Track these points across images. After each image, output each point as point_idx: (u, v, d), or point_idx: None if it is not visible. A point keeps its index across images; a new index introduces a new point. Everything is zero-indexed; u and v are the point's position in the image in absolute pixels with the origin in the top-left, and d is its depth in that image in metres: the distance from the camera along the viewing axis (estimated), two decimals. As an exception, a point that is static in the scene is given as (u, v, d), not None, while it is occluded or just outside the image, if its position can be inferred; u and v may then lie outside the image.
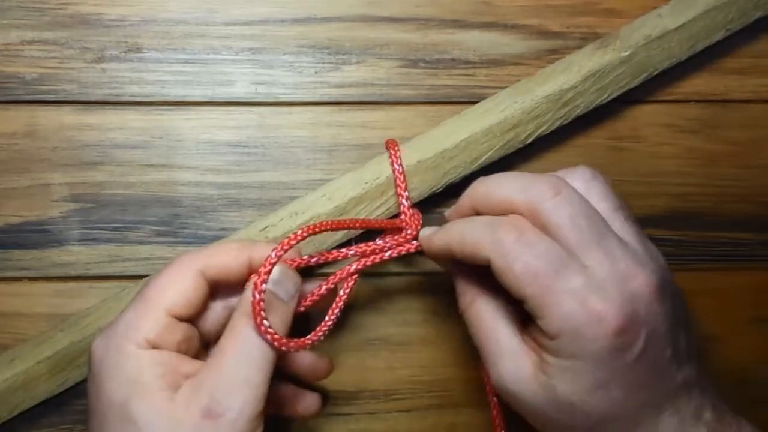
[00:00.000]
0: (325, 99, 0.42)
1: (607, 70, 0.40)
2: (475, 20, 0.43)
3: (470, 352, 0.41)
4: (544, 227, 0.32)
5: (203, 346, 0.35)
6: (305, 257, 0.35)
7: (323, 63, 0.42)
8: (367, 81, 0.42)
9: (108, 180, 0.40)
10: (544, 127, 0.40)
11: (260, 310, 0.31)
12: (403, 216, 0.38)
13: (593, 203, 0.33)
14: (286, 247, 0.32)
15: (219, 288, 0.34)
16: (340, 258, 0.36)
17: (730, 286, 0.43)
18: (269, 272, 0.32)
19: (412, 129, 0.41)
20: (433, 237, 0.35)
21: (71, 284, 0.40)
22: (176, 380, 0.31)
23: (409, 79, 0.42)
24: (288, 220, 0.38)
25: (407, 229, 0.37)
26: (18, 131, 0.40)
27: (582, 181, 0.34)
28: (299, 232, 0.33)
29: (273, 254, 0.32)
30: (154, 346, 0.31)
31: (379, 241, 0.37)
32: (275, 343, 0.31)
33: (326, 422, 0.41)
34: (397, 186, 0.38)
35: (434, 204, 0.41)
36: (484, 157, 0.39)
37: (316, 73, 0.42)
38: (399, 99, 0.42)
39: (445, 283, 0.41)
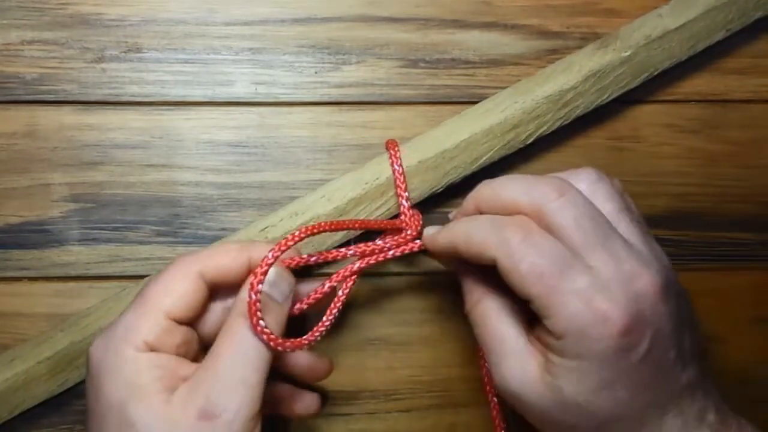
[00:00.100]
0: (325, 99, 0.42)
1: (608, 71, 0.40)
2: (475, 20, 0.43)
3: (470, 352, 0.41)
4: (549, 228, 0.32)
5: (202, 348, 0.35)
6: (304, 256, 0.35)
7: (323, 63, 0.42)
8: (367, 81, 0.42)
9: (108, 180, 0.40)
10: (545, 128, 0.40)
11: (256, 311, 0.31)
12: (403, 216, 0.38)
13: (598, 204, 0.33)
14: (283, 248, 0.32)
15: (218, 290, 0.34)
16: (339, 258, 0.36)
17: (730, 286, 0.43)
18: (266, 273, 0.32)
19: (412, 129, 0.41)
20: (438, 236, 0.35)
21: (71, 284, 0.40)
22: (174, 383, 0.31)
23: (409, 79, 0.42)
24: (288, 220, 0.38)
25: (407, 230, 0.37)
26: (18, 131, 0.40)
27: (587, 182, 0.34)
28: (296, 233, 0.33)
29: (270, 255, 0.32)
30: (153, 349, 0.31)
31: (378, 242, 0.37)
32: (271, 344, 0.31)
33: (326, 422, 0.41)
34: (397, 186, 0.38)
35: (434, 204, 0.41)
36: (484, 158, 0.39)
37: (316, 73, 0.42)
38: (399, 99, 0.42)
39: (445, 282, 0.42)
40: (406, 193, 0.38)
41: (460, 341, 0.41)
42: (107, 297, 0.39)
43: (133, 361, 0.31)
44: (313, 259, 0.35)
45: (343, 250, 0.36)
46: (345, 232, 0.39)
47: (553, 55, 0.42)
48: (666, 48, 0.41)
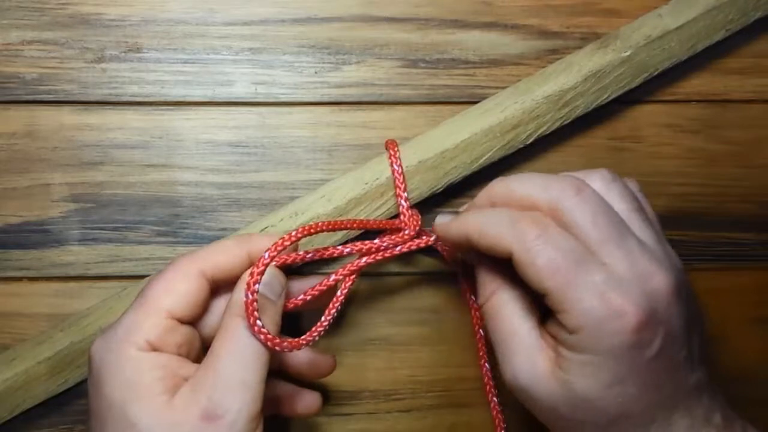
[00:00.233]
0: (325, 99, 0.42)
1: (608, 71, 0.40)
2: (475, 20, 0.43)
3: (470, 352, 0.41)
4: (564, 226, 0.32)
5: (203, 348, 0.35)
6: (300, 253, 0.35)
7: (323, 63, 0.42)
8: (367, 81, 0.42)
9: (108, 180, 0.40)
10: (545, 128, 0.40)
11: (253, 311, 0.31)
12: (402, 216, 0.38)
13: (612, 204, 0.33)
14: (279, 248, 0.32)
15: (220, 288, 0.34)
16: (336, 255, 0.36)
17: (730, 286, 0.43)
18: (262, 273, 0.32)
19: (412, 129, 0.41)
20: (451, 224, 0.35)
21: (71, 284, 0.40)
22: (176, 383, 0.31)
23: (409, 79, 0.42)
24: (288, 220, 0.38)
25: (406, 230, 0.37)
26: (18, 131, 0.40)
27: (601, 182, 0.34)
28: (294, 233, 0.33)
29: (266, 255, 0.32)
30: (155, 349, 0.31)
31: (377, 241, 0.37)
32: (269, 344, 0.31)
33: (326, 422, 0.41)
34: (396, 186, 0.38)
35: (434, 204, 0.41)
36: (484, 158, 0.39)
37: (316, 73, 0.42)
38: (399, 99, 0.42)
39: (445, 282, 0.42)
40: (405, 193, 0.38)
41: (461, 341, 0.41)
42: (107, 297, 0.39)
43: (135, 361, 0.31)
44: (309, 255, 0.35)
45: (339, 247, 0.36)
46: (344, 232, 0.39)
47: (553, 55, 0.42)
48: (666, 48, 0.41)
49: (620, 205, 0.33)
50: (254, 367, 0.31)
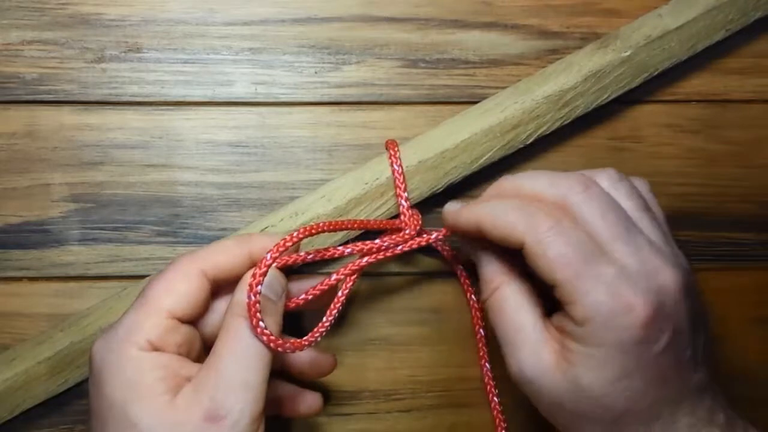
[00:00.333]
0: (325, 99, 0.42)
1: (608, 71, 0.40)
2: (475, 20, 0.43)
3: (470, 352, 0.41)
4: (573, 221, 0.32)
5: (205, 348, 0.35)
6: (301, 254, 0.35)
7: (323, 63, 0.42)
8: (367, 81, 0.42)
9: (108, 180, 0.40)
10: (545, 128, 0.40)
11: (256, 312, 0.31)
12: (402, 216, 0.38)
13: (620, 203, 0.33)
14: (281, 249, 0.32)
15: (220, 288, 0.34)
16: (336, 255, 0.36)
17: (730, 286, 0.43)
18: (264, 274, 0.32)
19: (412, 129, 0.41)
20: (461, 211, 0.35)
21: (71, 284, 0.40)
22: (177, 383, 0.31)
23: (409, 79, 0.42)
24: (288, 220, 0.38)
25: (406, 230, 0.37)
26: (18, 131, 0.40)
27: (609, 181, 0.34)
28: (295, 234, 0.33)
29: (269, 256, 0.32)
30: (156, 348, 0.31)
31: (377, 241, 0.37)
32: (272, 345, 0.31)
33: (326, 422, 0.41)
34: (396, 186, 0.38)
35: (435, 204, 0.41)
36: (484, 158, 0.39)
37: (316, 73, 0.42)
38: (399, 99, 0.42)
39: (445, 282, 0.42)
40: (406, 193, 0.38)
41: (461, 341, 0.41)
42: (107, 297, 0.39)
43: (136, 361, 0.31)
44: (309, 256, 0.35)
45: (340, 248, 0.36)
46: (345, 232, 0.39)
47: (553, 55, 0.42)
48: (666, 48, 0.41)
49: (627, 203, 0.34)
50: (257, 368, 0.31)
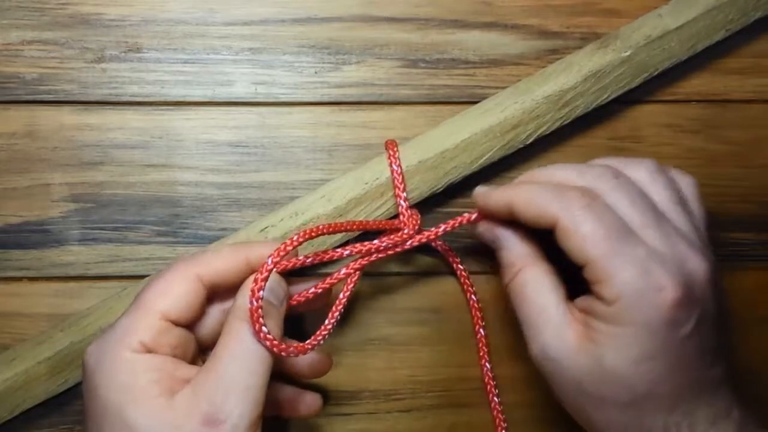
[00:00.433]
0: (325, 99, 0.42)
1: (608, 71, 0.40)
2: (475, 20, 0.43)
3: (470, 352, 0.41)
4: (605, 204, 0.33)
5: (200, 351, 0.35)
6: (300, 258, 0.35)
7: (323, 63, 0.42)
8: (367, 81, 0.42)
9: (108, 180, 0.40)
10: (545, 128, 0.40)
11: (258, 317, 0.31)
12: (401, 217, 0.38)
13: (654, 192, 0.34)
14: (282, 253, 0.32)
15: (216, 292, 0.34)
16: (335, 257, 0.36)
17: (730, 286, 0.43)
18: (266, 279, 0.32)
19: (412, 129, 0.41)
20: (493, 192, 0.36)
21: (71, 284, 0.40)
22: (172, 385, 0.31)
23: (409, 79, 0.42)
24: (288, 220, 0.38)
25: (405, 229, 0.37)
26: (18, 131, 0.40)
27: (647, 172, 0.35)
28: (295, 238, 0.33)
29: (269, 261, 0.32)
30: (149, 351, 0.31)
31: (376, 242, 0.37)
32: (275, 349, 0.31)
33: (326, 422, 0.41)
34: (395, 187, 0.38)
35: (435, 204, 0.41)
36: (484, 158, 0.39)
37: (316, 73, 0.42)
38: (399, 99, 0.42)
39: (445, 282, 0.42)
40: (405, 193, 0.38)
41: (461, 341, 0.41)
42: (107, 297, 0.39)
43: (129, 363, 0.31)
44: (309, 260, 0.35)
45: (339, 250, 0.36)
46: (344, 232, 0.39)
47: (553, 55, 0.42)
48: (666, 48, 0.41)
49: (662, 194, 0.34)
50: (258, 373, 0.31)
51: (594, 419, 0.33)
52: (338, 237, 0.39)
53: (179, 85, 0.41)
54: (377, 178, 0.38)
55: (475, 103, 0.40)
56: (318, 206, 0.38)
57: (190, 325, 0.34)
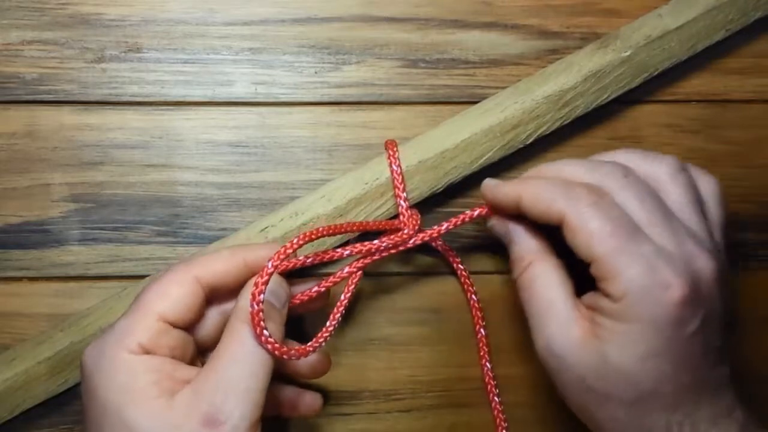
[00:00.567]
0: (325, 99, 0.42)
1: (608, 71, 0.40)
2: (475, 20, 0.43)
3: (470, 351, 0.41)
4: (612, 201, 0.33)
5: (199, 353, 0.35)
6: (300, 258, 0.35)
7: (323, 63, 0.42)
8: (367, 81, 0.42)
9: (108, 180, 0.40)
10: (545, 128, 0.40)
11: (260, 320, 0.31)
12: (401, 217, 0.38)
13: (671, 190, 0.34)
14: (282, 257, 0.32)
15: (215, 295, 0.34)
16: (336, 257, 0.36)
17: (731, 286, 0.43)
18: (267, 282, 0.32)
19: (412, 129, 0.41)
20: (501, 186, 0.36)
21: (71, 284, 0.40)
22: (171, 386, 0.31)
23: (409, 79, 0.42)
24: (288, 220, 0.38)
25: (405, 230, 0.37)
26: (18, 131, 0.40)
27: (668, 169, 0.34)
28: (295, 240, 0.33)
29: (270, 264, 0.32)
30: (147, 352, 0.31)
31: (376, 242, 0.37)
32: (276, 352, 0.31)
33: (326, 422, 0.41)
34: (395, 187, 0.38)
35: (435, 204, 0.41)
36: (484, 158, 0.39)
37: (316, 73, 0.42)
38: (399, 99, 0.42)
39: (445, 282, 0.42)
40: (405, 194, 0.38)
41: (461, 341, 0.41)
42: (107, 297, 0.39)
43: (128, 364, 0.31)
44: (309, 260, 0.35)
45: (339, 249, 0.36)
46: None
47: (553, 55, 0.42)
48: (666, 48, 0.40)
49: (677, 191, 0.34)
50: (259, 375, 0.31)
51: (597, 416, 0.33)
52: (338, 237, 0.39)
53: (179, 85, 0.41)
54: (377, 178, 0.38)
55: (475, 103, 0.40)
56: (318, 206, 0.38)
57: (188, 327, 0.34)
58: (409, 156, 0.38)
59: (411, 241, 0.37)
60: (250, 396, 0.31)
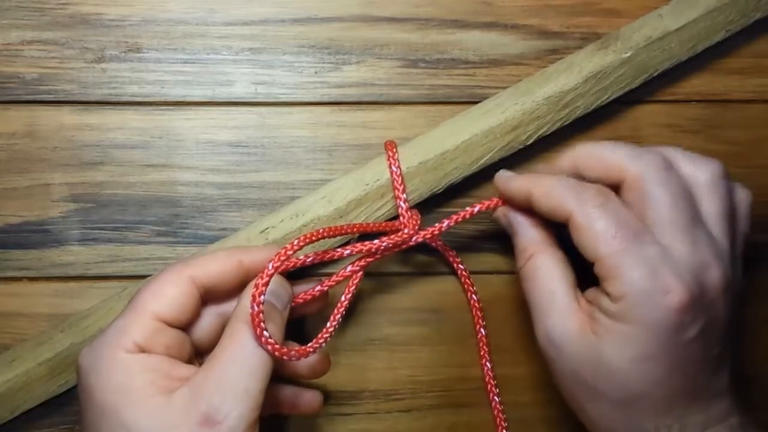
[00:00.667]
0: (325, 99, 0.42)
1: (608, 71, 0.40)
2: (475, 20, 0.43)
3: (470, 351, 0.41)
4: (643, 197, 0.33)
5: (196, 354, 0.35)
6: (301, 258, 0.35)
7: (323, 63, 0.42)
8: (367, 81, 0.42)
9: (108, 180, 0.40)
10: (545, 128, 0.40)
11: (260, 322, 0.31)
12: (401, 218, 0.38)
13: (708, 197, 0.34)
14: (283, 258, 0.32)
15: (211, 296, 0.34)
16: (336, 257, 0.36)
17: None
18: (267, 284, 0.32)
19: (412, 129, 0.41)
20: (515, 179, 0.36)
21: (71, 284, 0.40)
22: (169, 385, 0.31)
23: (409, 79, 0.42)
24: (289, 221, 0.38)
25: (404, 230, 0.37)
26: (18, 131, 0.40)
27: (711, 175, 0.34)
28: (295, 242, 0.33)
29: (270, 266, 0.32)
30: (143, 350, 0.31)
31: (376, 242, 0.37)
32: (276, 353, 0.31)
33: (326, 422, 0.41)
34: (395, 188, 0.38)
35: (435, 205, 0.41)
36: (484, 159, 0.39)
37: (316, 73, 0.42)
38: (399, 99, 0.42)
39: (445, 282, 0.42)
40: (405, 195, 0.38)
41: (461, 341, 0.41)
42: (107, 297, 0.39)
43: (124, 364, 0.31)
44: (309, 260, 0.35)
45: (340, 249, 0.36)
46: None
47: (553, 55, 0.42)
48: (666, 49, 0.40)
49: (714, 203, 0.34)
50: (258, 376, 0.31)
51: (586, 409, 0.33)
52: (338, 238, 0.39)
53: (179, 85, 0.41)
54: (378, 179, 0.38)
55: (475, 103, 0.40)
56: (318, 207, 0.38)
57: (184, 326, 0.34)
58: (410, 157, 0.38)
59: (413, 240, 0.37)
60: (249, 396, 0.31)
